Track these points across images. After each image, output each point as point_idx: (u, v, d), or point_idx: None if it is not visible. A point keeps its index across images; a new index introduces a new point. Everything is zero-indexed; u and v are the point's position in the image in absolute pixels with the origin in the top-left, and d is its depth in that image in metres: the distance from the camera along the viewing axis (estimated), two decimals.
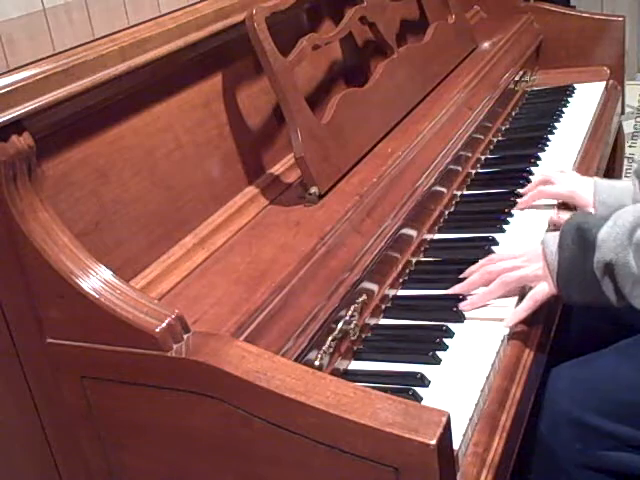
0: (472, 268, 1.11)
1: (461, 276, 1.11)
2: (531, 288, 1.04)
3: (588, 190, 1.25)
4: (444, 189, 1.33)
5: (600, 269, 0.95)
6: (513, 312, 1.03)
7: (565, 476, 1.00)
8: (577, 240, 0.98)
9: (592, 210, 1.24)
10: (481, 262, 1.10)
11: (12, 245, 0.79)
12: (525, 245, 1.10)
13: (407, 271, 1.17)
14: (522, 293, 1.06)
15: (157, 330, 0.76)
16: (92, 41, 0.90)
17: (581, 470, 1.00)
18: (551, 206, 1.32)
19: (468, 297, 1.07)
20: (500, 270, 1.06)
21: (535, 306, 1.02)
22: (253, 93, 1.19)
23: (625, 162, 2.44)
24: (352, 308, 0.99)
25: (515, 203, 1.33)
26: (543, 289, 1.02)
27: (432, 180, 1.25)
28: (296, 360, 0.86)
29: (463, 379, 0.93)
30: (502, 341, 0.99)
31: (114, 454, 0.84)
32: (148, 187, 0.97)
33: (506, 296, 1.06)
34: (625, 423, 0.99)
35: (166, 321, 0.76)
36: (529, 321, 1.04)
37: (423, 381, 0.93)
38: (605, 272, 0.95)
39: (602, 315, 1.21)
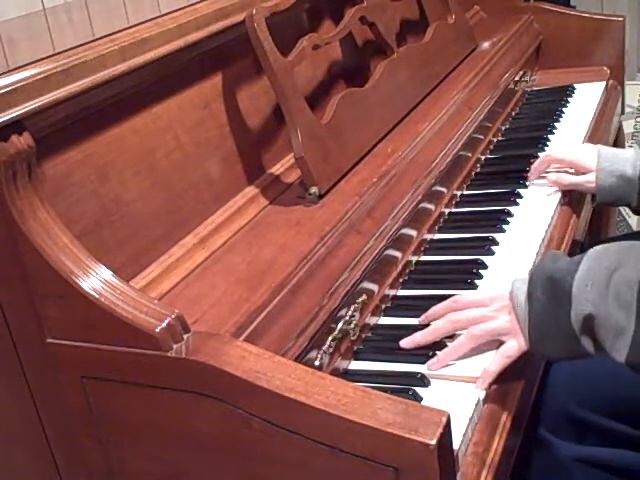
0: (436, 309, 1.01)
1: (422, 317, 1.02)
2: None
3: (592, 157, 1.31)
4: (444, 189, 1.33)
5: (579, 322, 0.86)
6: (484, 372, 0.92)
7: (564, 472, 1.00)
8: (548, 292, 0.89)
9: (593, 176, 1.29)
10: (445, 304, 1.01)
11: (12, 245, 0.78)
12: (494, 290, 0.99)
13: (407, 271, 1.17)
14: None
15: (157, 330, 0.76)
16: (92, 41, 0.90)
17: (580, 466, 0.99)
18: (553, 204, 1.32)
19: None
20: (467, 320, 0.97)
21: (507, 363, 0.93)
22: (253, 93, 1.19)
23: None
24: (352, 308, 0.99)
25: (516, 203, 1.34)
26: (514, 345, 0.93)
27: (432, 180, 1.26)
28: (296, 360, 0.86)
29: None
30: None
31: (114, 454, 0.84)
32: (148, 187, 0.97)
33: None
34: (623, 421, 0.99)
35: (166, 321, 0.76)
36: None
37: (423, 381, 0.93)
38: (584, 325, 0.86)
39: None
